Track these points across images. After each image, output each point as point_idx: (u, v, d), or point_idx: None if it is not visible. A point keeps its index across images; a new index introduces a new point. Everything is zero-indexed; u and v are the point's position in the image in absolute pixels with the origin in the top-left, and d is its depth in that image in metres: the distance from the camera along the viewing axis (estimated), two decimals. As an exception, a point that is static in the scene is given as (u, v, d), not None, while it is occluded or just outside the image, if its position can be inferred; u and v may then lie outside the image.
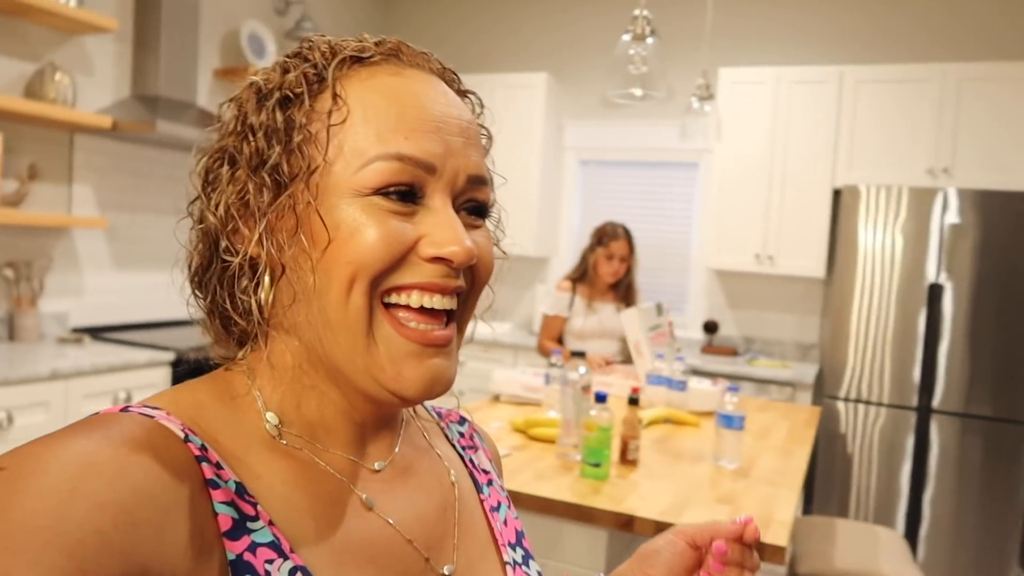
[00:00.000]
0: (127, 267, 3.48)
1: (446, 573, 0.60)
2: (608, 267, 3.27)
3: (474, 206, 0.57)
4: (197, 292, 0.59)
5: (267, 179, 0.53)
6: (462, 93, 0.62)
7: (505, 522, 0.69)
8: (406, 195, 0.53)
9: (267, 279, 0.55)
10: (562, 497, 1.66)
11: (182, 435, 0.49)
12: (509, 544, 0.67)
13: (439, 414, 0.74)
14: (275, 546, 0.49)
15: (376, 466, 0.59)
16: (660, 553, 0.63)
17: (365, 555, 0.55)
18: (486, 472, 0.72)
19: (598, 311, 3.29)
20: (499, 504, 0.70)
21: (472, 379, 4.30)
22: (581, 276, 3.35)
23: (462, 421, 0.76)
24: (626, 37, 1.98)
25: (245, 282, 0.55)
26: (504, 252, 0.66)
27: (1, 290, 3.02)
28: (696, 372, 3.63)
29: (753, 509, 1.67)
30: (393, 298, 0.53)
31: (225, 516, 0.48)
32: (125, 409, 0.50)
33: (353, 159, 0.52)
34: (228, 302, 0.57)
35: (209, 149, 0.58)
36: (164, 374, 2.95)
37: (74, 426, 0.47)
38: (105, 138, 3.36)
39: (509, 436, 2.14)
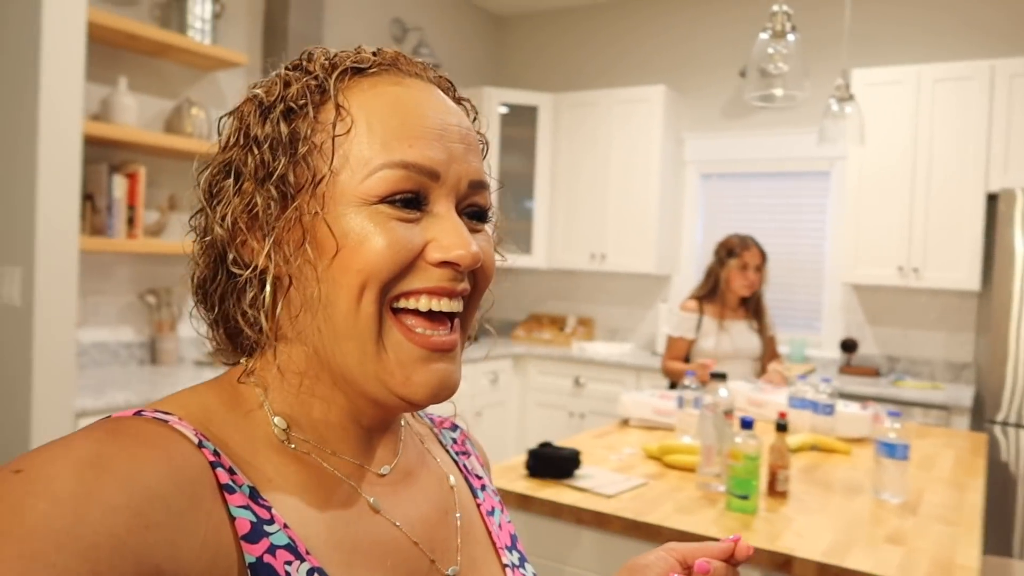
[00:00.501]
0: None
1: (451, 574, 0.61)
2: (742, 279, 3.08)
3: (476, 211, 0.58)
4: (202, 304, 0.60)
5: (273, 191, 0.54)
6: (458, 101, 0.63)
7: (500, 525, 0.70)
8: (412, 202, 0.54)
9: (270, 289, 0.55)
10: (709, 532, 1.53)
11: (196, 440, 0.49)
12: (506, 547, 0.69)
13: (432, 420, 0.76)
14: (292, 548, 0.50)
15: (382, 470, 0.61)
16: (650, 568, 0.60)
17: (375, 557, 0.56)
18: (479, 477, 0.73)
19: (729, 330, 3.11)
20: (493, 508, 0.71)
21: (593, 400, 4.18)
22: (708, 294, 3.17)
23: (454, 427, 0.77)
24: (764, 35, 1.85)
25: (253, 293, 0.56)
26: (503, 256, 0.66)
27: (144, 316, 3.17)
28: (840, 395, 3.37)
29: (929, 551, 1.48)
30: (402, 303, 0.54)
31: (243, 520, 0.48)
32: (138, 413, 0.50)
33: (359, 168, 0.53)
34: (237, 313, 0.57)
35: (212, 162, 0.58)
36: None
37: (89, 430, 0.47)
38: (236, 168, 3.49)
39: (643, 463, 2.02)
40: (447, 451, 0.72)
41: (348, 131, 0.54)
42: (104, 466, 0.43)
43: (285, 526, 0.51)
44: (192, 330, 3.21)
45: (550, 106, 4.66)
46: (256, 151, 0.54)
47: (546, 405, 4.39)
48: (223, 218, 0.55)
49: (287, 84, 0.56)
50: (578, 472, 1.81)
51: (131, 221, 2.93)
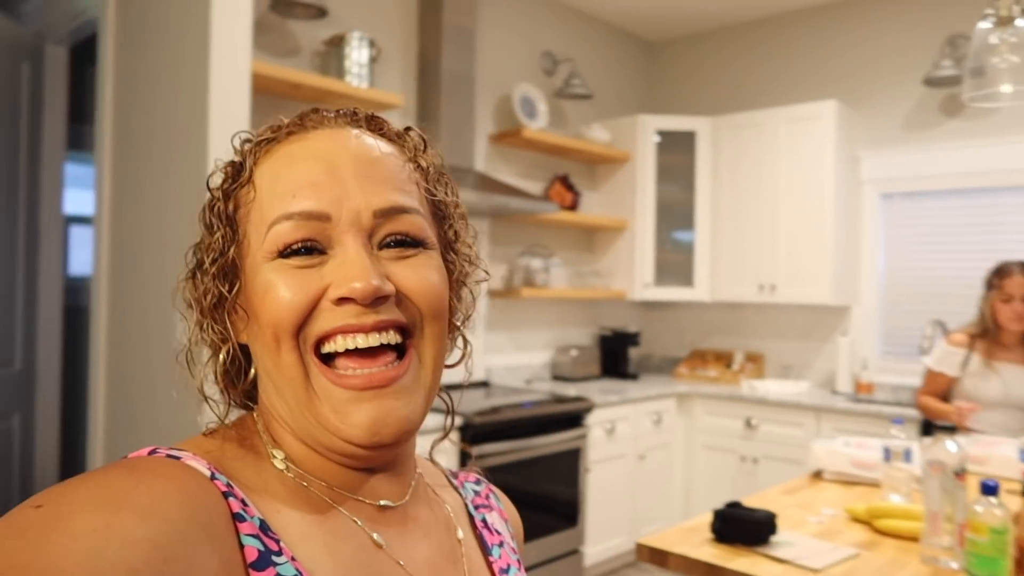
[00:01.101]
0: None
1: None
2: (1007, 311, 2.70)
3: (400, 238, 0.57)
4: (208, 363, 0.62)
5: (216, 269, 0.58)
6: (398, 135, 0.63)
7: None
8: (310, 249, 0.55)
9: (220, 359, 0.60)
10: (950, 623, 1.25)
11: (208, 473, 0.51)
12: None
13: (454, 473, 0.76)
14: None
15: (381, 502, 0.60)
16: None
17: None
18: (498, 533, 0.71)
19: (1000, 372, 2.72)
20: (508, 566, 0.69)
21: (767, 444, 3.84)
22: (983, 332, 2.80)
23: (478, 481, 0.77)
24: (984, 24, 1.57)
25: (219, 356, 0.60)
26: (488, 273, 0.68)
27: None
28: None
29: None
30: (325, 347, 0.55)
31: (251, 548, 0.49)
32: (153, 452, 0.52)
33: (260, 229, 0.56)
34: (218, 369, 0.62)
35: (192, 249, 0.62)
36: (451, 438, 2.91)
37: (107, 467, 0.48)
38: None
39: (848, 528, 1.74)
40: (465, 504, 0.71)
41: (253, 199, 0.57)
42: (123, 500, 0.44)
43: (292, 559, 0.51)
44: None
45: (708, 130, 4.42)
46: (207, 238, 0.59)
47: (715, 448, 4.08)
48: (190, 298, 0.61)
49: (223, 172, 0.61)
50: (775, 539, 1.57)
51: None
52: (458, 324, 0.67)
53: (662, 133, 4.44)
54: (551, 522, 3.35)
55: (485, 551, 0.68)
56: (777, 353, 4.48)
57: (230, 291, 0.58)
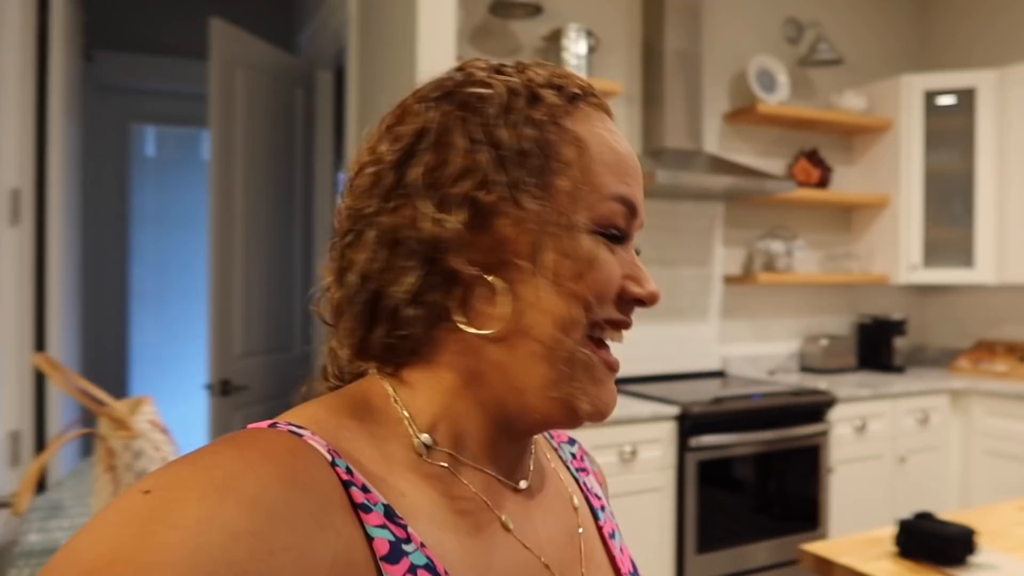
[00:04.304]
0: (653, 320, 3.54)
1: None
2: None
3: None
4: (411, 310, 0.55)
5: (511, 198, 0.53)
6: None
7: (621, 549, 0.67)
8: (619, 237, 0.56)
9: (503, 293, 0.54)
10: None
11: (329, 458, 0.48)
12: (629, 573, 0.66)
13: (550, 435, 0.73)
14: (431, 568, 0.49)
15: (520, 485, 0.59)
16: None
17: None
18: (599, 497, 0.70)
19: None
20: (613, 531, 0.68)
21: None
22: None
23: (572, 441, 0.75)
24: None
25: (459, 297, 0.54)
26: None
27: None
28: None
29: None
30: (594, 332, 0.55)
31: (382, 540, 0.48)
32: (273, 425, 0.50)
33: (586, 192, 0.54)
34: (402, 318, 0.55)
35: (405, 155, 0.55)
36: (668, 428, 2.85)
37: (221, 445, 0.47)
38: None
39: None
40: (568, 468, 0.70)
41: (578, 155, 0.54)
42: (229, 488, 0.43)
43: (422, 545, 0.49)
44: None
45: (992, 85, 3.79)
46: (495, 153, 0.53)
47: (999, 455, 3.51)
48: (440, 220, 0.52)
49: (512, 92, 0.55)
50: (973, 559, 1.34)
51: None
52: None
53: (931, 94, 3.90)
54: (782, 525, 3.13)
55: (595, 517, 0.67)
56: None
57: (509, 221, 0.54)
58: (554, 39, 3.27)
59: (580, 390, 0.54)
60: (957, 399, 3.66)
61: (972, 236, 3.84)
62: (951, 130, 3.90)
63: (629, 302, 0.56)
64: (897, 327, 3.98)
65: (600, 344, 0.56)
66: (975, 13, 4.23)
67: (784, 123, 3.87)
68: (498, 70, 0.58)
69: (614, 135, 0.57)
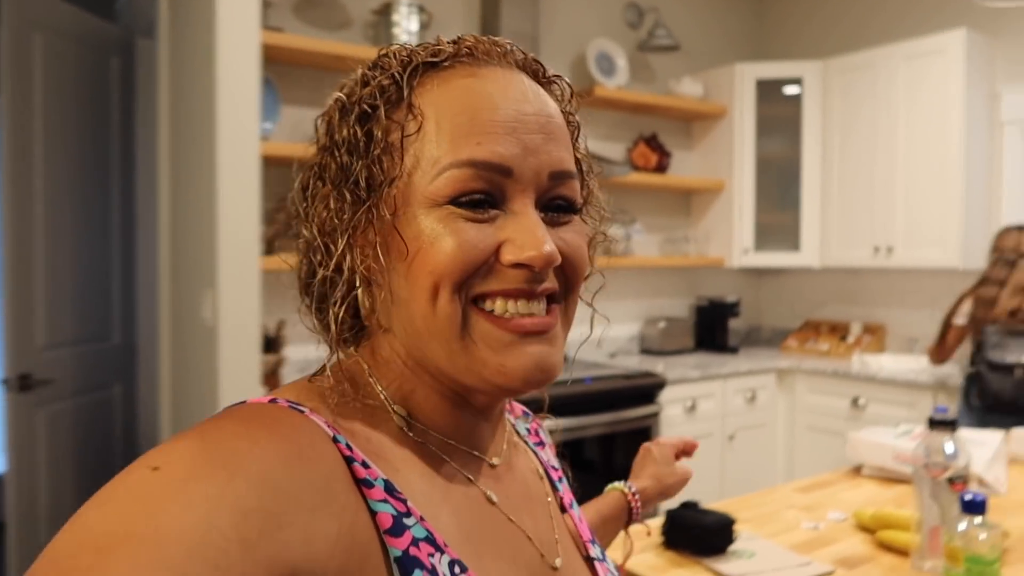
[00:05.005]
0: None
1: (558, 566, 0.61)
2: None
3: (562, 203, 0.56)
4: (306, 300, 0.60)
5: (348, 194, 0.54)
6: (548, 82, 0.61)
7: (579, 519, 0.70)
8: (484, 201, 0.53)
9: (341, 292, 0.55)
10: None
11: (330, 434, 0.50)
12: (589, 540, 0.69)
13: (507, 410, 0.73)
14: (431, 540, 0.50)
15: (494, 461, 0.61)
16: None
17: (497, 550, 0.56)
18: (556, 468, 0.73)
19: None
20: (572, 502, 0.71)
21: (875, 426, 3.40)
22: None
23: (526, 414, 0.76)
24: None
25: (338, 291, 0.56)
26: (607, 237, 0.66)
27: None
28: None
29: None
30: (486, 304, 0.54)
31: (385, 514, 0.49)
32: (273, 401, 0.51)
33: (429, 168, 0.53)
34: (328, 308, 0.57)
35: (306, 164, 0.58)
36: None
37: (224, 419, 0.47)
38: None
39: (849, 536, 1.45)
40: (526, 442, 0.71)
41: (418, 130, 0.53)
42: (238, 465, 0.43)
43: (421, 519, 0.51)
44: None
45: (817, 76, 3.94)
46: (336, 154, 0.55)
47: (819, 430, 3.69)
48: (311, 220, 0.56)
49: (364, 84, 0.56)
50: (734, 548, 1.34)
51: (343, 239, 2.97)
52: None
53: (763, 82, 4.02)
54: (617, 504, 3.16)
55: (554, 488, 0.69)
56: (900, 324, 3.97)
57: (351, 216, 0.54)
58: (384, 13, 3.13)
59: (480, 361, 0.53)
60: (783, 378, 3.82)
61: (799, 221, 4.00)
62: (781, 118, 4.03)
63: (513, 268, 0.52)
64: (731, 309, 4.10)
65: (492, 313, 0.53)
66: (805, 6, 4.39)
67: (623, 107, 3.89)
68: (376, 61, 0.58)
69: (477, 92, 0.54)
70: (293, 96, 2.99)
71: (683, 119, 4.20)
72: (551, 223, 0.55)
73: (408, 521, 0.49)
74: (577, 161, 0.60)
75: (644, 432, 3.21)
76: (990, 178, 3.60)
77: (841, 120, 3.88)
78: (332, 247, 0.55)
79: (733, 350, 4.08)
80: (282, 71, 2.95)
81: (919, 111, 3.56)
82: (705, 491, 3.49)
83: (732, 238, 4.05)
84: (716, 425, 3.55)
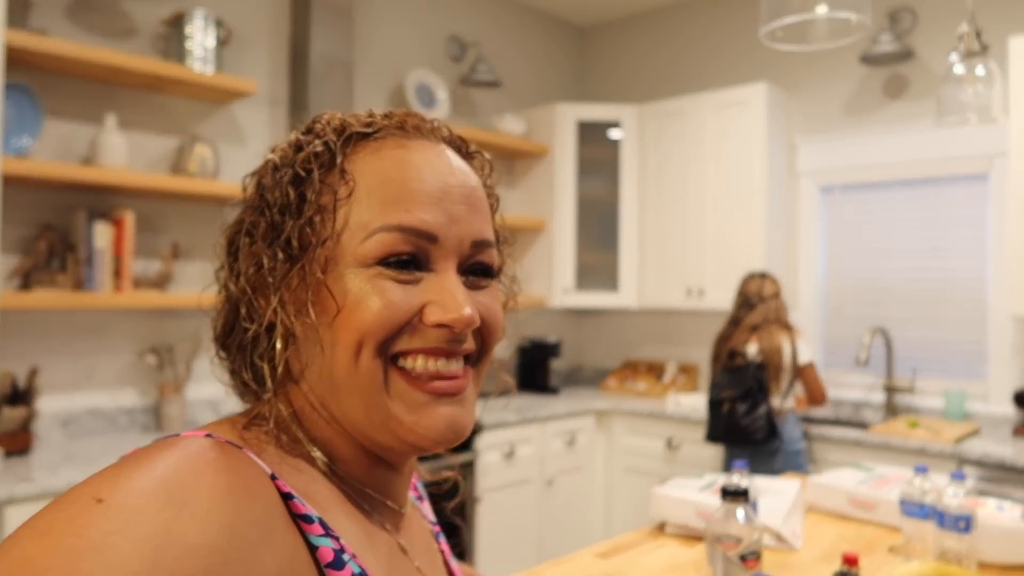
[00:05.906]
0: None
1: None
2: None
3: (481, 268, 0.59)
4: (221, 353, 0.61)
5: (280, 252, 0.56)
6: (470, 156, 0.64)
7: (459, 572, 0.73)
8: (410, 263, 0.55)
9: (280, 345, 0.56)
10: None
11: (269, 471, 0.50)
12: None
13: None
14: None
15: (404, 510, 0.63)
16: None
17: None
18: (434, 523, 0.75)
19: None
20: (450, 554, 0.74)
21: (688, 467, 3.43)
22: None
23: None
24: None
25: (262, 347, 0.57)
26: (515, 303, 0.70)
27: (147, 377, 2.83)
28: (997, 482, 2.45)
29: None
30: (399, 362, 0.55)
31: (326, 548, 0.50)
32: (209, 436, 0.51)
33: (358, 231, 0.55)
34: (247, 364, 0.59)
35: (234, 221, 0.60)
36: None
37: (165, 452, 0.46)
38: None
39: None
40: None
41: (349, 195, 0.56)
42: (185, 502, 0.42)
43: (354, 556, 0.52)
44: (199, 392, 2.86)
45: (634, 119, 4.02)
46: (267, 213, 0.57)
47: (637, 471, 3.68)
48: (237, 275, 0.58)
49: (298, 149, 0.58)
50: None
51: (118, 273, 2.60)
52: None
53: (583, 124, 4.04)
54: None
55: (436, 540, 0.72)
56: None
57: (284, 273, 0.56)
58: (176, 24, 2.83)
59: (395, 419, 0.55)
60: (601, 419, 3.79)
61: (617, 262, 4.03)
62: (601, 159, 4.07)
63: (435, 328, 0.55)
64: (553, 349, 4.05)
65: (411, 373, 0.55)
66: (622, 48, 4.50)
67: (445, 141, 3.77)
68: (309, 127, 0.60)
69: (406, 164, 0.57)
70: (60, 108, 2.61)
71: (506, 156, 4.15)
72: (471, 286, 0.58)
73: (345, 557, 0.51)
74: (496, 231, 0.63)
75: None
76: (791, 224, 3.79)
77: (656, 164, 3.97)
78: (263, 302, 0.56)
79: (554, 391, 4.02)
80: (47, 80, 2.56)
81: (726, 159, 3.70)
82: (523, 540, 3.36)
83: (553, 277, 4.02)
84: (535, 470, 3.44)
